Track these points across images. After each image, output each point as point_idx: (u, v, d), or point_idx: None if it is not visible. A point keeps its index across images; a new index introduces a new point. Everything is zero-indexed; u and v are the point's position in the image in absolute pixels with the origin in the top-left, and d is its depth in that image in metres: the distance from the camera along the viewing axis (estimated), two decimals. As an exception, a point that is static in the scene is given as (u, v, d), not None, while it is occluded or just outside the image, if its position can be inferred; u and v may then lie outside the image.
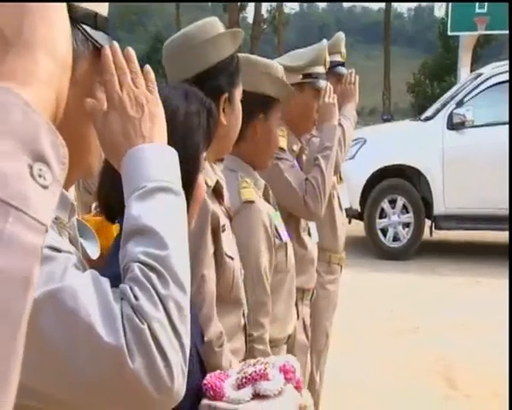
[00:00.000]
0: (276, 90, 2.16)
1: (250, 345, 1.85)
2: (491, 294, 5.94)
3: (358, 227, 7.57)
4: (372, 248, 7.55)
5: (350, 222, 7.30)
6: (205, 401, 1.28)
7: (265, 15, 30.00)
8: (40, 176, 0.47)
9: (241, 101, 1.93)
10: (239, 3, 28.35)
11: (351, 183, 7.25)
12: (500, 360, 4.44)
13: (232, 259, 1.71)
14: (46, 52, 0.54)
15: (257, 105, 2.08)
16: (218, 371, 1.37)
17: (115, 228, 1.82)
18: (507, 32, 12.29)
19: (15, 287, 0.44)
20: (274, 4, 31.05)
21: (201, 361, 1.36)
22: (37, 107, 0.49)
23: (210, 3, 38.49)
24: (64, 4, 0.60)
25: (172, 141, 0.98)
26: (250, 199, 1.99)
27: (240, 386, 1.29)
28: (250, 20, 27.92)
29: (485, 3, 11.41)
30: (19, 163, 0.46)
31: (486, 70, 7.95)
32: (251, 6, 29.14)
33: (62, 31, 0.57)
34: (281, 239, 2.09)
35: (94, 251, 1.00)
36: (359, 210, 7.47)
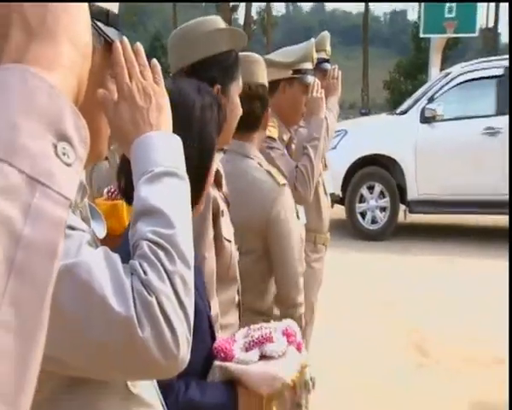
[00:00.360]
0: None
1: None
2: (464, 272, 5.97)
3: (340, 211, 7.59)
4: (352, 229, 7.57)
5: (332, 206, 7.29)
6: (217, 363, 1.29)
7: (255, 17, 29.83)
8: (64, 154, 0.46)
9: (261, 93, 2.00)
10: (231, 4, 28.16)
11: (333, 171, 7.29)
12: (470, 332, 4.50)
13: (229, 242, 1.70)
14: (68, 41, 0.52)
15: (267, 95, 2.14)
16: (226, 337, 1.39)
17: (126, 211, 1.80)
18: (473, 34, 12.37)
19: (42, 257, 0.43)
20: (263, 7, 30.89)
21: (211, 327, 1.35)
22: (61, 90, 0.48)
23: (204, 4, 38.02)
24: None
25: (190, 134, 0.96)
26: (284, 182, 2.03)
27: (248, 348, 1.31)
28: (241, 21, 27.72)
29: (454, 8, 11.40)
30: (44, 142, 0.45)
31: (454, 69, 7.95)
32: (241, 8, 28.99)
33: (83, 21, 0.56)
34: None
35: (100, 231, 0.99)
36: (341, 195, 7.47)
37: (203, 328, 1.23)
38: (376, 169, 7.55)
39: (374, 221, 7.58)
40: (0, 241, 0.40)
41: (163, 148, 0.90)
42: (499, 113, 7.15)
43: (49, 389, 0.81)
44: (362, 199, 7.57)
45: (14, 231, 0.41)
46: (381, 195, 7.54)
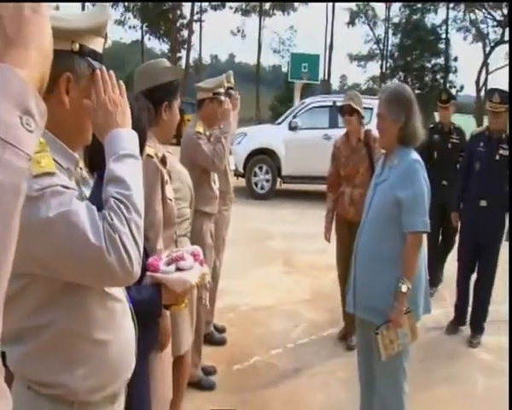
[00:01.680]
0: None
1: None
2: (314, 219, 6.10)
3: (242, 181, 7.55)
4: (249, 193, 7.52)
5: (238, 179, 7.31)
6: (148, 273, 1.22)
7: (192, 64, 28.81)
8: (27, 124, 0.41)
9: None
10: (177, 56, 26.94)
11: (238, 157, 7.39)
12: (314, 250, 4.62)
13: (171, 200, 1.62)
14: (36, 48, 0.47)
15: None
16: (156, 256, 1.31)
17: None
18: (316, 82, 13.12)
19: (9, 195, 0.39)
20: (196, 57, 30.01)
21: (146, 252, 1.28)
22: (28, 81, 0.43)
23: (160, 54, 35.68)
24: (49, 17, 0.49)
25: (134, 125, 0.91)
26: None
27: (168, 264, 1.24)
28: (183, 66, 26.55)
29: (307, 66, 11.66)
30: (14, 116, 0.41)
31: (307, 100, 8.12)
32: (183, 59, 27.83)
33: (47, 34, 0.49)
34: None
35: (88, 192, 0.92)
36: (242, 172, 7.44)
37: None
38: (264, 157, 7.53)
39: (262, 188, 7.57)
40: None
41: (125, 139, 0.86)
42: (331, 127, 7.37)
43: (50, 291, 0.79)
44: (255, 174, 7.54)
45: None
46: (267, 172, 7.53)
